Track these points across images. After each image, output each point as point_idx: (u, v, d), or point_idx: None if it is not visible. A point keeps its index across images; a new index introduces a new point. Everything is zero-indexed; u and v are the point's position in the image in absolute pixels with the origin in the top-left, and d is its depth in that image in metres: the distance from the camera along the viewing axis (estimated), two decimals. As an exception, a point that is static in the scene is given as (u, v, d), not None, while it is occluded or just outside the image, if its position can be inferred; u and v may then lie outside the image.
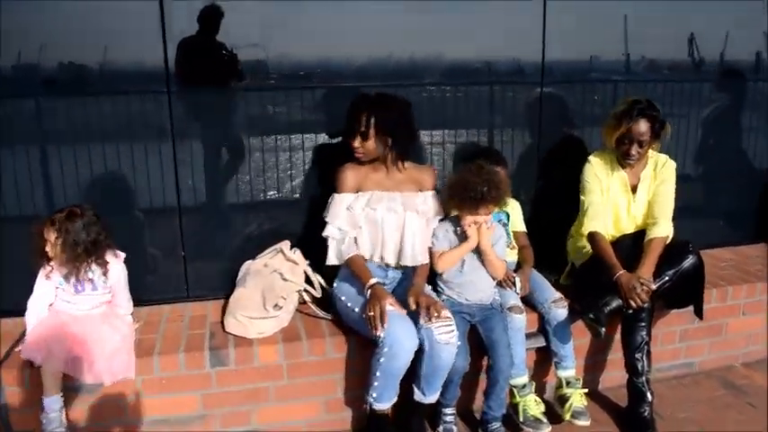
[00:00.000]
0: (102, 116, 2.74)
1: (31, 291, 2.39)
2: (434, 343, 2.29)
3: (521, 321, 2.61)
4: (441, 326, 2.30)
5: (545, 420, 2.55)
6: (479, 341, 2.57)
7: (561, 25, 3.07)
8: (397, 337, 2.27)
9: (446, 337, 2.30)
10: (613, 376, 2.93)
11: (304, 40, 2.80)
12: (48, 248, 2.28)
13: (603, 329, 2.58)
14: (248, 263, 2.78)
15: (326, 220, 2.55)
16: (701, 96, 3.62)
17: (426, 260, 2.58)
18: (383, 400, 2.38)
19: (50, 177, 2.70)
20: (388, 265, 2.61)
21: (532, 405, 2.57)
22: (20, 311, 2.42)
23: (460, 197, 2.48)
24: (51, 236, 2.26)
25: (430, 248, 2.60)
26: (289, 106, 2.97)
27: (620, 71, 3.37)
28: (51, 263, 2.34)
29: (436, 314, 2.29)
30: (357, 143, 2.51)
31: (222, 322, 2.62)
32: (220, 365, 2.46)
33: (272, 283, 2.58)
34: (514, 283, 2.70)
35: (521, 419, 2.55)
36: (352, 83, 2.87)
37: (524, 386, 2.60)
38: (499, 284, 2.68)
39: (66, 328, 2.33)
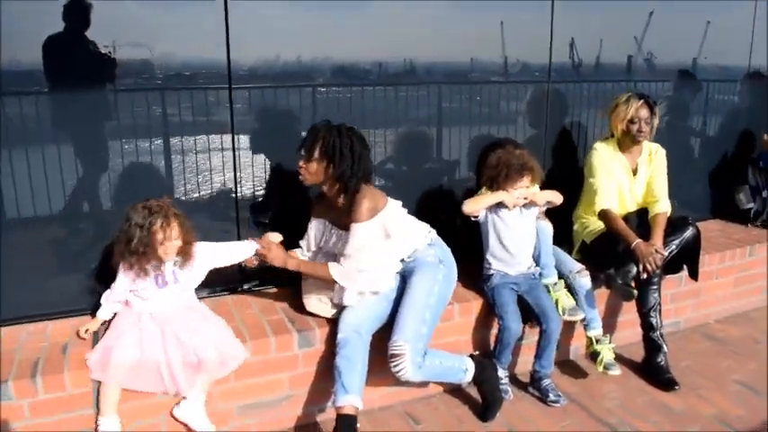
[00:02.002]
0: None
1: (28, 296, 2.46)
2: None
3: (588, 282, 3.02)
4: None
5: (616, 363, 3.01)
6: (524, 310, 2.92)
7: (446, 29, 3.26)
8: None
9: None
10: (623, 336, 3.37)
11: (191, 40, 2.76)
12: (160, 240, 2.32)
13: (635, 292, 2.99)
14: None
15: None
16: (581, 96, 3.80)
17: None
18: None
19: None
20: None
21: (609, 352, 3.01)
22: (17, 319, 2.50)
23: (506, 172, 2.84)
24: (169, 228, 2.33)
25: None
26: (178, 108, 2.85)
27: (500, 72, 3.56)
28: (134, 257, 2.33)
29: None
30: (302, 162, 2.57)
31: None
32: (307, 346, 2.62)
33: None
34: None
35: (603, 365, 2.96)
36: (243, 84, 2.86)
37: (601, 338, 3.04)
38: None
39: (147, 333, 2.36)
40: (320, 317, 2.72)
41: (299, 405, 2.68)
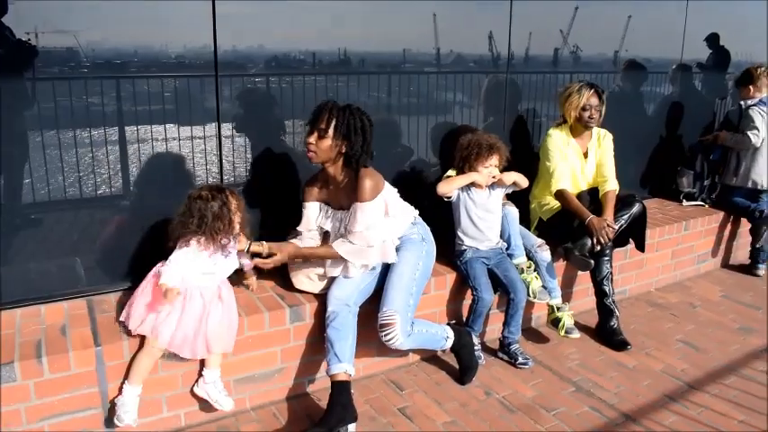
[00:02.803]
0: None
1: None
2: None
3: (548, 256, 3.31)
4: None
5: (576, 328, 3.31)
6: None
7: (378, 20, 3.34)
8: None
9: None
10: (577, 304, 3.68)
11: (119, 27, 2.68)
12: (231, 214, 2.51)
13: (592, 262, 3.30)
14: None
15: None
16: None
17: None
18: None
19: None
20: None
21: (569, 318, 3.30)
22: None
23: (477, 151, 3.07)
24: (233, 204, 2.52)
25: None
26: (105, 97, 2.75)
27: (432, 63, 3.63)
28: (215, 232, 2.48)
29: None
30: (312, 139, 2.66)
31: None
32: (299, 320, 2.78)
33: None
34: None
35: (564, 330, 3.25)
36: (175, 72, 2.86)
37: (561, 306, 3.32)
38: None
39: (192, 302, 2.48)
40: (308, 293, 2.87)
41: (290, 377, 2.83)
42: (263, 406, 2.76)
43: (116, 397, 2.44)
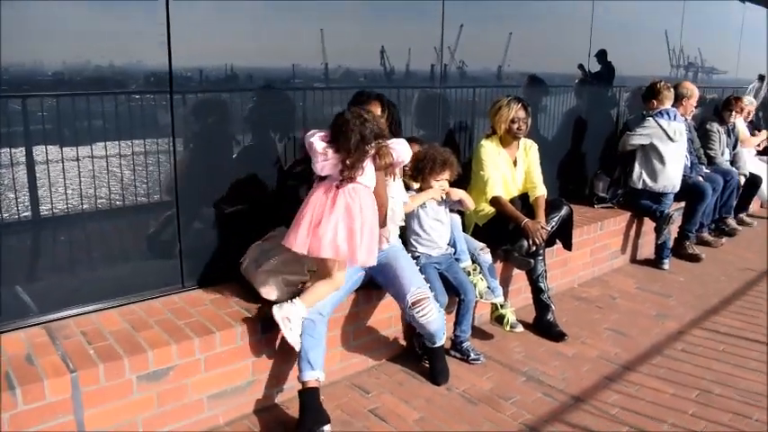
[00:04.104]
0: None
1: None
2: None
3: (489, 258, 3.54)
4: None
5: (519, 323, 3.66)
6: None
7: (270, 35, 3.32)
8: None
9: None
10: (514, 302, 3.96)
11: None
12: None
13: (532, 261, 3.58)
14: (256, 244, 3.14)
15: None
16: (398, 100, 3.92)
17: None
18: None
19: None
20: None
21: (512, 315, 3.60)
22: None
23: (431, 166, 3.27)
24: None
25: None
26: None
27: (320, 79, 3.62)
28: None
29: None
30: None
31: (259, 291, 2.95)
32: (269, 332, 2.83)
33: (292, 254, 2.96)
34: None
35: (509, 325, 3.54)
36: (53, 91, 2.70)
37: (504, 303, 3.60)
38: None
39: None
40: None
41: (260, 389, 2.88)
42: (237, 420, 2.80)
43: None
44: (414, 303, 2.88)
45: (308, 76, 3.58)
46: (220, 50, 3.16)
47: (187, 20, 2.95)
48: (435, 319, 2.93)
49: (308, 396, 2.70)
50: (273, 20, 3.35)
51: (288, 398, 2.94)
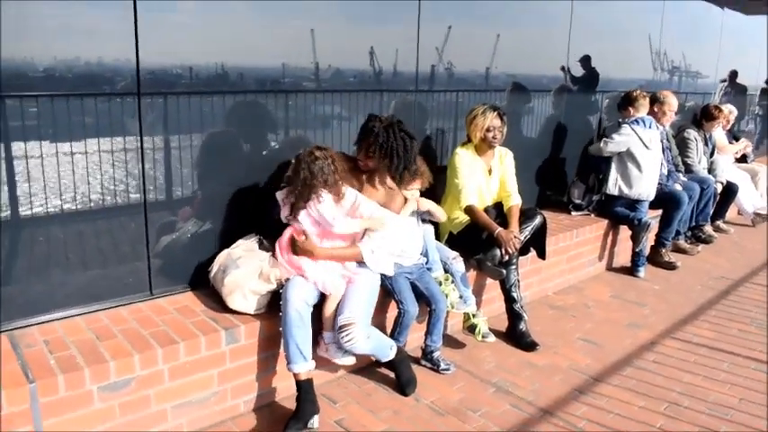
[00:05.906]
0: None
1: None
2: None
3: (462, 267, 3.53)
4: None
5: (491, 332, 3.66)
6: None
7: (256, 36, 3.33)
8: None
9: None
10: (486, 310, 3.95)
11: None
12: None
13: (504, 271, 3.57)
14: (225, 252, 3.11)
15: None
16: (382, 102, 4.01)
17: None
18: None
19: None
20: None
21: (485, 324, 3.60)
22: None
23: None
24: None
25: None
26: None
27: (310, 78, 3.62)
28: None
29: None
30: (361, 156, 3.17)
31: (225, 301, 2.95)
32: (234, 342, 2.82)
33: (262, 263, 2.98)
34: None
35: (481, 335, 3.55)
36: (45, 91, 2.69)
37: (476, 313, 3.59)
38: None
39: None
40: (242, 313, 2.92)
41: (225, 399, 2.86)
42: (202, 430, 2.77)
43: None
44: (341, 327, 2.86)
45: (297, 76, 3.56)
46: (210, 49, 3.15)
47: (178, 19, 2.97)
48: (358, 347, 2.89)
49: (306, 386, 2.84)
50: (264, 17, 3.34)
51: (254, 407, 2.92)
